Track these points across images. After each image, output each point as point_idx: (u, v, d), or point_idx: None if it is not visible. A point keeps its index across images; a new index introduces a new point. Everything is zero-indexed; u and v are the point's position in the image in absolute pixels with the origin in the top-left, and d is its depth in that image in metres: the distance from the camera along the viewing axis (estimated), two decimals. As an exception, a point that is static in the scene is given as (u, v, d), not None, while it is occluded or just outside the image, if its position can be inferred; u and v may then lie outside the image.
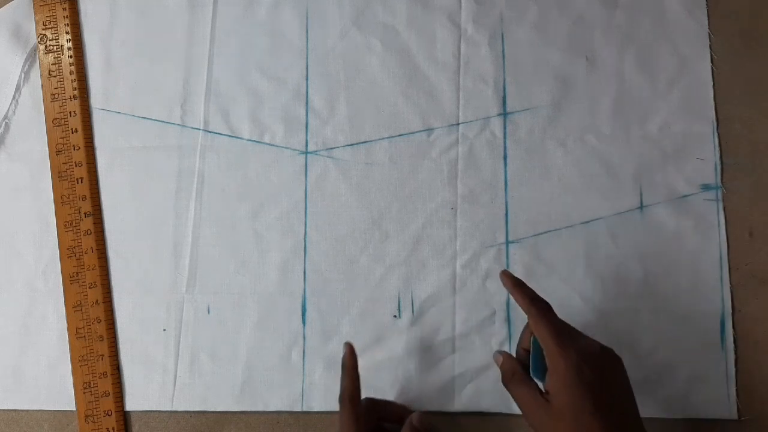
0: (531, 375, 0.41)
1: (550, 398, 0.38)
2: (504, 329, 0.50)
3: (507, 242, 0.51)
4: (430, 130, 0.53)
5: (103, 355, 0.52)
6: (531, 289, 0.43)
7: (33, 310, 0.54)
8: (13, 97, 0.57)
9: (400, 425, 0.45)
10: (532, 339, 0.41)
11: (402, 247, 0.52)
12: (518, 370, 0.42)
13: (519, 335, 0.50)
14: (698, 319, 0.49)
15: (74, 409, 0.52)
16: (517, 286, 0.43)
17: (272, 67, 0.55)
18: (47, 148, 0.56)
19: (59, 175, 0.55)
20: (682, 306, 0.49)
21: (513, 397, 0.41)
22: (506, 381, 0.42)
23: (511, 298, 0.50)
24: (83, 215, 0.54)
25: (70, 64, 0.56)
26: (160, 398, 0.52)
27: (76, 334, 0.53)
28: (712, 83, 0.52)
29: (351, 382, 0.45)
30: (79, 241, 0.54)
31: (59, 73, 0.57)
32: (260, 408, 0.51)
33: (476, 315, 0.51)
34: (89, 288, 0.53)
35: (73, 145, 0.55)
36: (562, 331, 0.40)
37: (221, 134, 0.55)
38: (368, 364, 0.51)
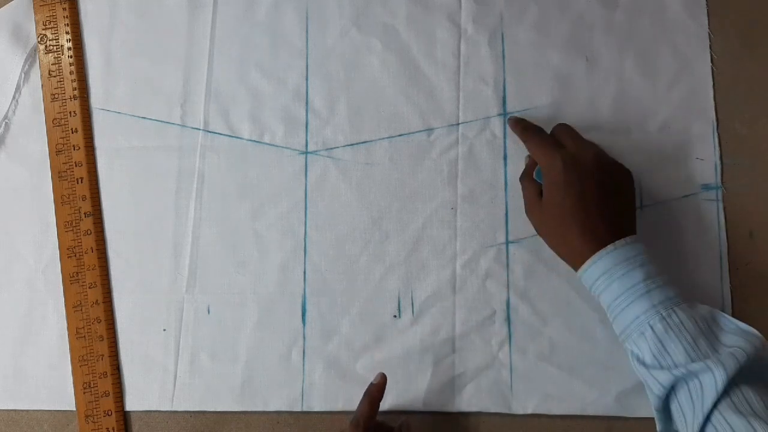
0: (535, 178, 0.48)
1: (543, 197, 0.46)
2: (504, 329, 0.50)
3: (507, 242, 0.51)
4: (430, 130, 0.53)
5: (103, 355, 0.52)
6: (525, 121, 0.51)
7: (33, 310, 0.54)
8: (13, 97, 0.57)
9: None
10: None
11: (402, 247, 0.52)
12: (532, 171, 0.49)
13: (519, 335, 0.50)
14: (698, 319, 0.49)
15: (74, 409, 0.52)
16: (516, 122, 0.51)
17: (272, 67, 0.55)
18: (47, 148, 0.55)
19: (59, 175, 0.55)
20: (682, 306, 0.49)
21: (522, 192, 0.50)
22: (521, 177, 0.50)
23: (512, 298, 0.50)
24: (83, 215, 0.54)
25: (70, 64, 0.56)
26: (160, 398, 0.52)
27: (76, 334, 0.53)
28: (712, 83, 0.52)
29: (369, 410, 0.45)
30: (79, 241, 0.54)
31: (59, 73, 0.57)
32: (260, 408, 0.51)
33: (476, 315, 0.51)
34: (89, 288, 0.53)
35: (73, 145, 0.55)
36: (547, 143, 0.47)
37: (221, 134, 0.55)
38: (368, 364, 0.51)
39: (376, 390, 0.46)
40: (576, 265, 0.45)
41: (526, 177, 0.50)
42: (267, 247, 0.53)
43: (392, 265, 0.52)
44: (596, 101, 0.53)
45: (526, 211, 0.49)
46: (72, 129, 0.55)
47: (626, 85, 0.53)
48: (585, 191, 0.44)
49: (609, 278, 0.42)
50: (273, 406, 0.51)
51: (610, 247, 0.43)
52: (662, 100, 0.52)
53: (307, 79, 0.55)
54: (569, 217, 0.44)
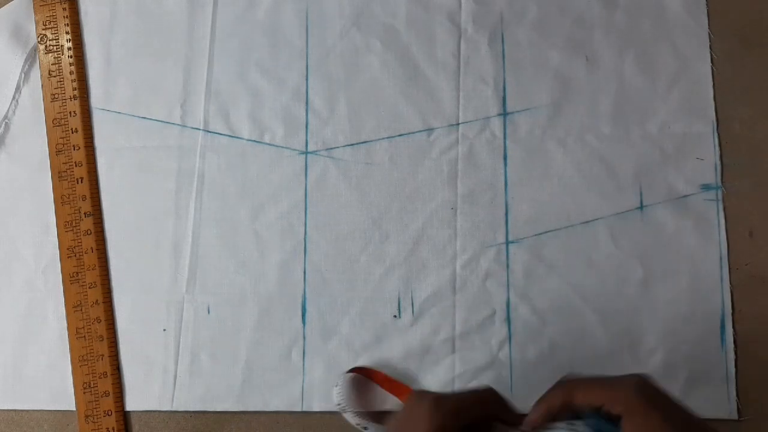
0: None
1: None
2: (504, 329, 0.50)
3: (507, 242, 0.51)
4: (430, 130, 0.53)
5: (103, 355, 0.52)
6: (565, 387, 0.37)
7: (33, 310, 0.54)
8: (13, 97, 0.57)
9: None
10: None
11: (402, 247, 0.52)
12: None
13: (519, 335, 0.50)
14: (698, 319, 0.49)
15: (74, 409, 0.52)
16: (540, 405, 0.37)
17: (272, 67, 0.55)
18: (47, 148, 0.55)
19: (59, 175, 0.55)
20: (682, 306, 0.49)
21: None
22: None
23: (512, 298, 0.50)
24: (83, 215, 0.54)
25: (70, 64, 0.56)
26: (160, 398, 0.52)
27: (76, 334, 0.53)
28: (712, 83, 0.52)
29: (467, 403, 0.37)
30: (79, 241, 0.54)
31: (59, 73, 0.57)
32: (260, 408, 0.51)
33: (476, 315, 0.51)
34: (89, 288, 0.53)
35: (73, 145, 0.55)
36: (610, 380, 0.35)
37: (221, 134, 0.55)
38: (368, 363, 0.51)
39: (491, 400, 0.38)
40: None
41: None
42: (267, 247, 0.53)
43: (392, 265, 0.52)
44: (596, 101, 0.53)
45: None
46: (72, 129, 0.55)
47: (626, 85, 0.53)
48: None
49: None
50: (273, 406, 0.51)
51: None
52: (662, 100, 0.52)
53: (307, 79, 0.55)
54: None
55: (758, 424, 0.47)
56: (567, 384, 0.36)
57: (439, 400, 0.36)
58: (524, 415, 0.37)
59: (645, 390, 0.33)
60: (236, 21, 0.56)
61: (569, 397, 0.35)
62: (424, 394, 0.38)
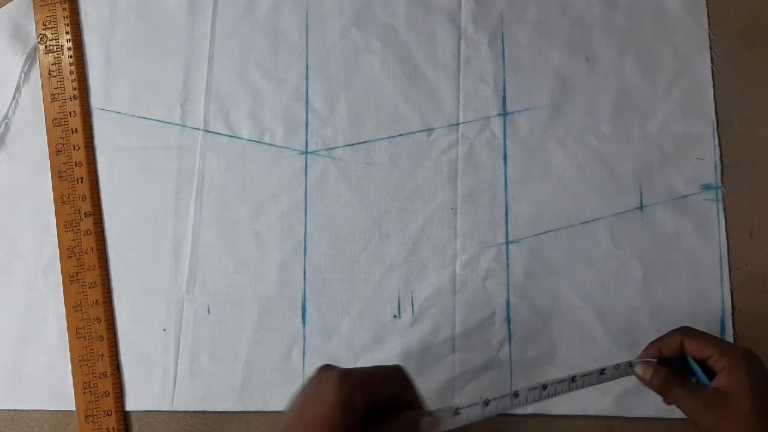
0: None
1: (728, 396, 0.38)
2: (504, 329, 0.50)
3: (507, 242, 0.51)
4: (430, 130, 0.53)
5: (103, 355, 0.52)
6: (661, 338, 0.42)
7: (33, 310, 0.54)
8: (13, 97, 0.57)
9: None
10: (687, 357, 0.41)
11: (402, 247, 0.52)
12: (675, 374, 0.40)
13: (519, 335, 0.50)
14: (698, 319, 0.49)
15: (74, 409, 0.52)
16: (654, 344, 0.42)
17: (272, 67, 0.55)
18: (47, 148, 0.55)
19: (59, 175, 0.55)
20: (682, 306, 0.49)
21: (674, 401, 0.40)
22: (665, 384, 0.40)
23: (512, 298, 0.50)
24: (83, 215, 0.54)
25: (70, 64, 0.56)
26: (160, 398, 0.52)
27: (76, 334, 0.53)
28: (712, 83, 0.52)
29: (377, 376, 0.38)
30: (79, 241, 0.54)
31: (59, 73, 0.57)
32: (260, 408, 0.51)
33: (476, 315, 0.51)
34: (89, 288, 0.53)
35: (73, 145, 0.55)
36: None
37: (221, 134, 0.55)
38: (368, 364, 0.50)
39: (400, 378, 0.39)
40: None
41: (679, 380, 0.40)
42: (267, 247, 0.53)
43: (392, 265, 0.52)
44: (596, 101, 0.53)
45: (696, 417, 0.39)
46: (72, 129, 0.55)
47: (626, 85, 0.53)
48: None
49: None
50: (273, 406, 0.51)
51: None
52: (662, 100, 0.52)
53: (307, 79, 0.55)
54: None
55: (758, 424, 0.47)
56: (684, 332, 0.41)
57: (345, 373, 0.37)
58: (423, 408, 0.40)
59: (752, 360, 0.38)
60: (236, 21, 0.56)
61: (683, 343, 0.40)
62: (329, 367, 0.39)
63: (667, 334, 0.42)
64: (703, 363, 0.40)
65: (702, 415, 0.38)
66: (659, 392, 0.41)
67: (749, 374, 0.38)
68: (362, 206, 0.53)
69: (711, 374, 0.40)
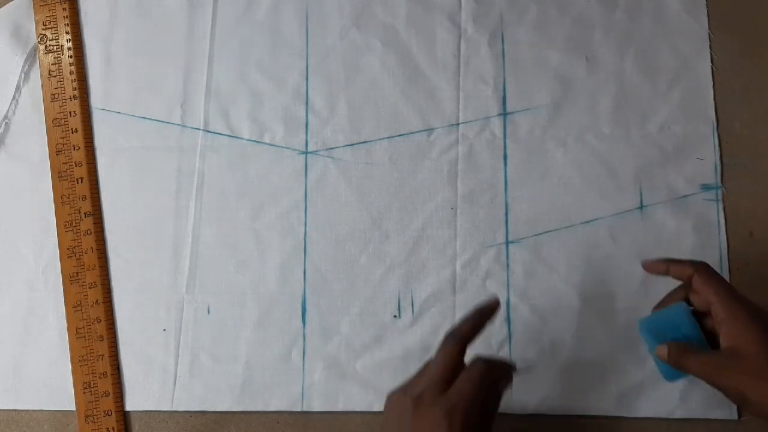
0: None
1: (739, 351, 0.37)
2: (504, 329, 0.50)
3: (507, 242, 0.51)
4: (430, 130, 0.53)
5: (103, 355, 0.52)
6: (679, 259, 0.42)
7: (33, 310, 0.54)
8: (13, 97, 0.57)
9: None
10: (681, 309, 0.41)
11: (402, 247, 0.52)
12: (686, 345, 0.40)
13: (519, 335, 0.50)
14: (698, 319, 0.49)
15: (74, 409, 0.52)
16: (667, 261, 0.42)
17: (272, 67, 0.55)
18: (47, 148, 0.56)
19: (59, 175, 0.55)
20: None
21: (690, 371, 0.39)
22: (679, 358, 0.40)
23: (512, 298, 0.50)
24: (83, 215, 0.54)
25: (70, 64, 0.56)
26: (160, 398, 0.52)
27: (76, 334, 0.53)
28: (712, 83, 0.52)
29: (473, 325, 0.40)
30: (79, 241, 0.54)
31: (59, 73, 0.57)
32: (260, 408, 0.51)
33: (476, 315, 0.50)
34: (89, 288, 0.53)
35: (73, 145, 0.55)
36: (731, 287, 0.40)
37: (221, 134, 0.55)
38: (368, 364, 0.51)
39: (490, 310, 0.41)
40: None
41: (690, 348, 0.40)
42: (267, 247, 0.53)
43: (392, 265, 0.52)
44: (596, 101, 0.53)
45: (714, 380, 0.39)
46: (72, 129, 0.55)
47: (626, 85, 0.53)
48: None
49: None
50: (273, 406, 0.51)
51: None
52: (662, 100, 0.52)
53: (307, 79, 0.55)
54: None
55: (758, 424, 0.47)
56: (699, 268, 0.40)
57: (449, 413, 0.36)
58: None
59: (756, 312, 0.38)
60: (236, 21, 0.56)
61: (692, 280, 0.40)
62: (418, 400, 0.37)
63: (683, 259, 0.41)
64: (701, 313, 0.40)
65: (720, 378, 0.38)
66: (676, 367, 0.40)
67: (746, 325, 0.37)
68: (362, 206, 0.53)
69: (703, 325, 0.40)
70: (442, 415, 0.36)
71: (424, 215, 0.52)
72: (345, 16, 0.56)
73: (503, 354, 0.50)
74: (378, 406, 0.49)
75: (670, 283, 0.50)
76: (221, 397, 0.51)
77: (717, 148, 0.51)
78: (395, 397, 0.39)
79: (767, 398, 0.36)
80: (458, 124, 0.53)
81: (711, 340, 0.40)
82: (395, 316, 0.51)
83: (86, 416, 0.51)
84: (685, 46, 0.53)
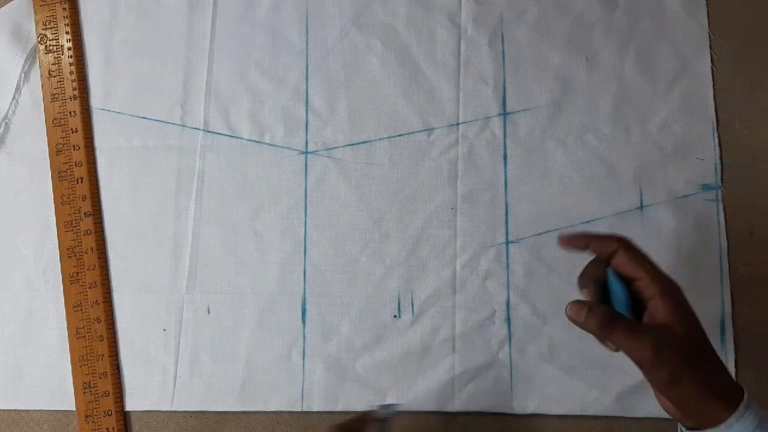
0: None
1: (673, 330, 0.35)
2: (504, 329, 0.50)
3: (507, 242, 0.51)
4: (430, 130, 0.53)
5: (103, 355, 0.52)
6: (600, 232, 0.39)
7: (33, 310, 0.54)
8: (13, 97, 0.57)
9: None
10: (609, 274, 0.37)
11: (402, 247, 0.52)
12: (615, 313, 0.36)
13: (519, 335, 0.50)
14: (698, 319, 0.49)
15: (74, 409, 0.52)
16: (588, 235, 0.39)
17: (272, 67, 0.55)
18: (47, 148, 0.56)
19: (59, 175, 0.55)
20: (682, 306, 0.49)
21: (617, 343, 0.36)
22: (604, 328, 0.36)
23: (512, 298, 0.50)
24: (83, 215, 0.54)
25: (70, 64, 0.56)
26: (160, 398, 0.52)
27: (76, 334, 0.53)
28: (712, 83, 0.52)
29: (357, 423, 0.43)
30: (79, 241, 0.54)
31: (59, 73, 0.57)
32: (260, 408, 0.51)
33: (476, 315, 0.51)
34: (89, 288, 0.53)
35: (73, 145, 0.55)
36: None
37: (221, 134, 0.55)
38: (368, 364, 0.51)
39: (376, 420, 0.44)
40: (709, 411, 0.34)
41: (621, 320, 0.36)
42: (267, 247, 0.53)
43: (392, 265, 0.52)
44: (596, 101, 0.53)
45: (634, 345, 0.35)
46: (72, 129, 0.55)
47: (626, 85, 0.53)
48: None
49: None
50: (273, 406, 0.51)
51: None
52: (662, 100, 0.52)
53: (307, 79, 0.55)
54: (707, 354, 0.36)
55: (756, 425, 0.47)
56: (624, 243, 0.37)
57: None
58: None
59: (679, 290, 0.36)
60: (236, 21, 0.56)
61: (615, 253, 0.37)
62: None
63: (605, 234, 0.38)
64: (625, 281, 0.37)
65: (652, 355, 0.34)
66: (597, 335, 0.37)
67: (681, 305, 0.36)
68: (362, 206, 0.53)
69: (631, 295, 0.36)
70: None
71: (424, 215, 0.52)
72: (345, 16, 0.56)
73: (503, 354, 0.50)
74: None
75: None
76: (221, 397, 0.51)
77: (717, 148, 0.51)
78: None
79: (699, 381, 0.34)
80: (458, 124, 0.53)
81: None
82: (395, 316, 0.51)
83: (86, 416, 0.51)
84: (685, 46, 0.53)
